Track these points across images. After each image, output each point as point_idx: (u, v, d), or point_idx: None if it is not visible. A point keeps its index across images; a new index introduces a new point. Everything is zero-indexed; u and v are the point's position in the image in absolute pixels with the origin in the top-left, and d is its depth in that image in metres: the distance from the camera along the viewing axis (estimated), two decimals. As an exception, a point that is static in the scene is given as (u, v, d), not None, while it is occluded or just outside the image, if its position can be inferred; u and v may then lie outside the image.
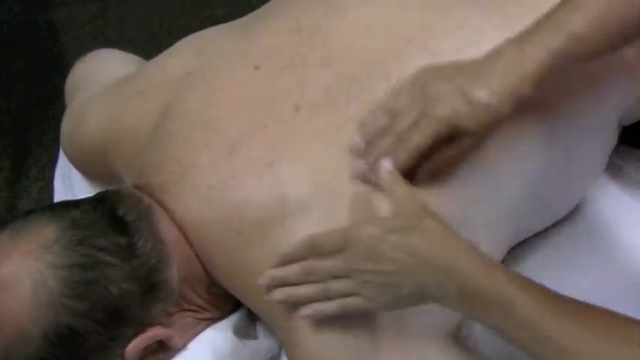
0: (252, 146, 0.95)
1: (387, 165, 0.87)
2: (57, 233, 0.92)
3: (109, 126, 1.10)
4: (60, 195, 1.30)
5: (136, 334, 0.94)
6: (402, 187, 0.86)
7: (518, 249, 1.11)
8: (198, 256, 1.00)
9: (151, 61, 1.16)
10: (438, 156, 0.88)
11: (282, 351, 1.04)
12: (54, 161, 1.37)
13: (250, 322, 1.07)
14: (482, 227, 0.96)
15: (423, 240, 0.81)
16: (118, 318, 0.93)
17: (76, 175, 1.25)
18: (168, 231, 0.98)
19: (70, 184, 1.27)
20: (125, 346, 0.94)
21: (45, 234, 0.92)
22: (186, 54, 1.09)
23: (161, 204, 1.00)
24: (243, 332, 1.04)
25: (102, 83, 1.19)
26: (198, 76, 1.04)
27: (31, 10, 2.37)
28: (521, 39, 0.85)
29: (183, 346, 0.99)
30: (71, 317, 0.90)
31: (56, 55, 2.26)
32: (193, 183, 0.97)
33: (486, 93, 0.83)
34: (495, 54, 0.86)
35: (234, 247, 0.94)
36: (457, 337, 0.97)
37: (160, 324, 0.96)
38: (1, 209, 1.99)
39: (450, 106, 0.84)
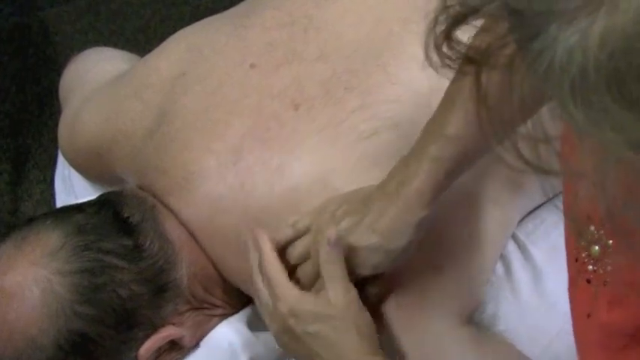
0: (257, 150, 0.95)
1: (330, 236, 0.86)
2: (62, 239, 0.91)
3: (105, 127, 1.09)
4: (61, 197, 1.29)
5: (147, 336, 0.94)
6: (337, 273, 0.86)
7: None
8: (207, 255, 0.99)
9: (143, 59, 1.15)
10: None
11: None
12: (54, 162, 1.36)
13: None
14: (491, 204, 0.98)
15: (336, 335, 0.84)
16: (129, 321, 0.93)
17: (77, 177, 1.25)
18: (174, 230, 0.98)
19: (70, 185, 1.27)
20: (138, 348, 0.94)
21: (50, 241, 0.91)
22: (180, 52, 1.08)
23: (165, 205, 1.00)
24: (256, 325, 1.03)
25: (95, 84, 1.18)
26: (193, 76, 1.03)
27: (21, 11, 2.36)
28: (408, 154, 0.85)
29: (197, 344, 0.99)
30: (82, 323, 0.90)
31: (50, 53, 2.25)
32: (202, 189, 0.97)
33: (374, 240, 0.85)
34: (386, 179, 0.86)
35: None
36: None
37: (172, 324, 0.96)
38: (4, 212, 1.99)
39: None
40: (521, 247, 1.08)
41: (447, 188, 0.85)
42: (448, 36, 0.47)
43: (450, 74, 0.51)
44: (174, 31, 1.14)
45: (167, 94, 1.03)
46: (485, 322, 1.03)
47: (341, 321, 0.84)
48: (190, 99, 1.01)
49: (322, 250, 0.85)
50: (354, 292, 0.86)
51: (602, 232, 0.65)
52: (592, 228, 0.66)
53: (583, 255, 0.67)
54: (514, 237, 1.09)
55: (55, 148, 1.29)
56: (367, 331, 0.85)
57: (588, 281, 0.67)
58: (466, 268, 0.97)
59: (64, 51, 2.15)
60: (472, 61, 0.48)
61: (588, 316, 0.67)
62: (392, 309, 0.91)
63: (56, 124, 1.22)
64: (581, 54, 0.38)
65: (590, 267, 0.67)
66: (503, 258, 1.07)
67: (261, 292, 0.88)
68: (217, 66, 1.03)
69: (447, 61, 0.49)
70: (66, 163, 1.24)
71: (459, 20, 0.46)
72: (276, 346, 1.03)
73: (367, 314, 0.86)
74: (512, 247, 1.08)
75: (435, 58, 0.49)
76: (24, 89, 2.20)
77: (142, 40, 2.16)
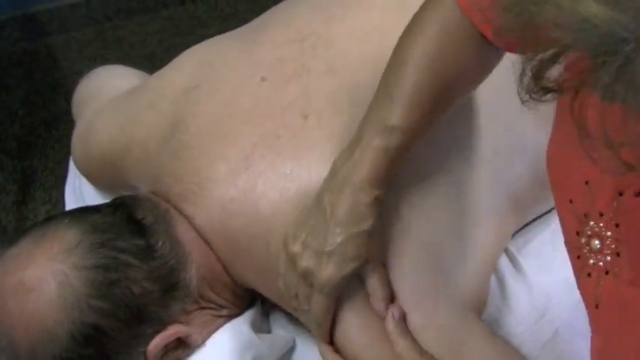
0: (268, 157, 0.99)
1: (395, 313, 0.91)
2: (79, 237, 0.95)
3: (120, 137, 1.13)
4: (71, 206, 1.30)
5: (156, 332, 0.97)
6: (406, 341, 0.90)
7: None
8: (218, 258, 1.03)
9: (156, 73, 1.19)
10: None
11: (297, 343, 1.08)
12: (60, 183, 1.39)
13: (264, 316, 1.11)
14: (488, 213, 1.02)
15: None
16: (140, 316, 0.96)
17: (86, 186, 1.28)
18: (185, 233, 1.02)
19: (80, 194, 1.30)
20: (147, 344, 0.97)
21: (67, 238, 0.95)
22: (192, 66, 1.12)
23: (179, 211, 1.03)
24: (258, 327, 1.07)
25: (108, 96, 1.22)
26: (206, 88, 1.07)
27: (29, 36, 2.40)
28: (349, 148, 0.89)
29: (202, 343, 1.02)
30: (96, 317, 0.93)
31: (57, 78, 2.29)
32: (214, 193, 1.00)
33: (338, 243, 0.87)
34: (329, 178, 0.90)
35: (266, 257, 0.98)
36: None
37: (180, 322, 0.99)
38: (10, 232, 2.01)
39: (322, 272, 0.88)
40: (513, 260, 1.12)
41: (394, 173, 0.89)
42: (537, 81, 0.52)
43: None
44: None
45: (181, 104, 1.07)
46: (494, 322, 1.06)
47: None
48: (204, 109, 1.05)
49: (390, 324, 0.90)
50: (428, 353, 0.90)
51: (601, 224, 0.70)
52: (592, 223, 0.70)
53: (584, 251, 0.72)
54: (506, 250, 1.13)
55: (62, 169, 1.32)
56: None
57: (589, 275, 0.71)
58: (464, 269, 1.00)
59: (71, 76, 2.19)
60: (552, 90, 0.53)
61: (596, 306, 0.71)
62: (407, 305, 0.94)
63: (62, 147, 1.26)
64: None
65: (591, 261, 0.71)
66: (496, 271, 1.11)
67: None
68: (230, 79, 1.06)
69: (535, 97, 0.54)
70: (76, 174, 1.28)
71: (545, 65, 0.51)
72: (280, 347, 1.07)
73: None
74: (504, 259, 1.12)
75: (526, 98, 0.54)
76: (31, 113, 2.23)
77: (147, 68, 2.20)
